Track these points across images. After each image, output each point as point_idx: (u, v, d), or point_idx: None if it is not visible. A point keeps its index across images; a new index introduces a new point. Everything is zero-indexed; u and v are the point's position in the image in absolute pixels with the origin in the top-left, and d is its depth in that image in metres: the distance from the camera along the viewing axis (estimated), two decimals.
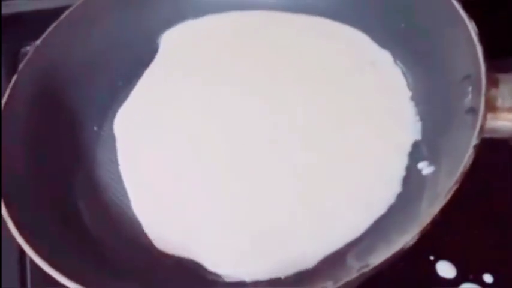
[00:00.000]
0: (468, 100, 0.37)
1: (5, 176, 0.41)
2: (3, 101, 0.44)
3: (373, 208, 0.40)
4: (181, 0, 0.54)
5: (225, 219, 0.42)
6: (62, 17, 0.49)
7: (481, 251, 0.42)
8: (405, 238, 0.33)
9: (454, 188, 0.33)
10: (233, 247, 0.40)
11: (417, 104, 0.44)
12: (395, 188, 0.41)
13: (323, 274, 0.37)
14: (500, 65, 0.37)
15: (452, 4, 0.40)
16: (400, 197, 0.40)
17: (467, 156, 0.34)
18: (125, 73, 0.52)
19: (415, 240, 0.33)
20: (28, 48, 0.48)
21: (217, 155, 0.45)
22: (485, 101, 0.35)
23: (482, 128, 0.35)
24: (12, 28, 0.56)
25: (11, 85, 0.45)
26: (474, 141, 0.34)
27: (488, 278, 0.41)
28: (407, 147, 0.43)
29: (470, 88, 0.37)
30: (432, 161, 0.40)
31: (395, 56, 0.48)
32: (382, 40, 0.49)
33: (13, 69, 0.49)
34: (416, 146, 0.43)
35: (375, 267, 0.32)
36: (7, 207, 0.39)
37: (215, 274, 0.40)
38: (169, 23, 0.54)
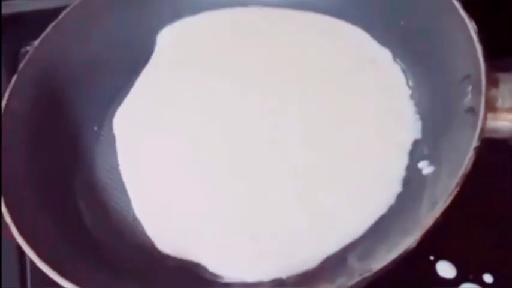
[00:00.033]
0: (468, 100, 0.37)
1: (5, 176, 0.41)
2: (3, 101, 0.44)
3: (373, 208, 0.40)
4: None
5: (226, 220, 0.42)
6: (60, 17, 0.49)
7: (481, 251, 0.42)
8: (406, 242, 0.33)
9: (455, 192, 0.33)
10: (234, 248, 0.40)
11: (417, 103, 0.44)
12: (396, 187, 0.41)
13: (325, 275, 0.37)
14: (500, 65, 0.37)
15: (453, 4, 0.40)
16: (400, 197, 0.40)
17: (467, 159, 0.34)
18: (124, 73, 0.51)
19: (416, 243, 0.33)
20: (28, 48, 0.48)
21: (217, 154, 0.45)
22: (485, 101, 0.35)
23: (482, 129, 0.35)
24: (12, 28, 0.56)
25: (10, 85, 0.45)
26: (475, 143, 0.34)
27: (488, 278, 0.41)
28: (408, 146, 0.42)
29: (470, 88, 0.37)
30: (432, 161, 0.40)
31: (395, 54, 0.48)
32: (382, 38, 0.49)
33: (13, 69, 0.49)
34: (416, 145, 0.42)
35: (377, 272, 0.33)
36: (7, 207, 0.39)
37: (216, 275, 0.40)
38: (169, 22, 0.54)
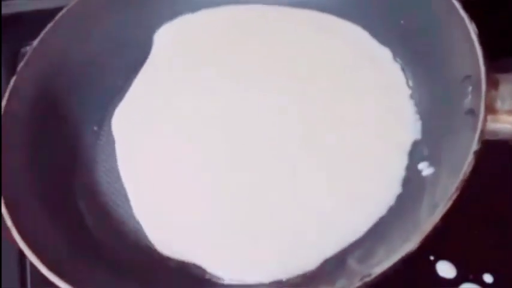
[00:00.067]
0: (468, 101, 0.37)
1: (5, 176, 0.41)
2: (3, 101, 0.44)
3: (373, 209, 0.40)
4: None
5: (225, 220, 0.41)
6: (58, 16, 0.49)
7: (481, 251, 0.42)
8: (406, 248, 0.33)
9: (455, 195, 0.33)
10: (233, 249, 0.40)
11: (417, 103, 0.44)
12: (395, 188, 0.41)
13: (325, 277, 0.37)
14: (500, 65, 0.37)
15: (453, 4, 0.40)
16: (400, 199, 0.40)
17: (467, 163, 0.34)
18: (124, 72, 0.51)
19: (415, 247, 0.33)
20: (28, 48, 0.48)
21: (216, 155, 0.45)
22: (485, 103, 0.35)
23: (482, 131, 0.35)
24: (12, 28, 0.56)
25: (10, 85, 0.45)
26: (474, 145, 0.34)
27: (488, 278, 0.41)
28: (407, 146, 0.42)
29: (470, 88, 0.37)
30: (432, 162, 0.40)
31: (395, 53, 0.47)
32: (381, 37, 0.48)
33: (13, 69, 0.49)
34: (416, 145, 0.42)
35: (376, 277, 0.33)
36: (7, 208, 0.39)
37: (216, 276, 0.40)
38: (168, 21, 0.54)
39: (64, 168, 0.46)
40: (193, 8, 0.54)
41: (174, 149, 0.46)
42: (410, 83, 0.46)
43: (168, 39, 0.53)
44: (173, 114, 0.48)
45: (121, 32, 0.52)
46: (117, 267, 0.40)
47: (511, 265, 0.41)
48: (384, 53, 0.48)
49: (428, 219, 0.33)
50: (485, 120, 0.35)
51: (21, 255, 0.44)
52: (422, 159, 0.41)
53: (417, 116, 0.44)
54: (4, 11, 0.57)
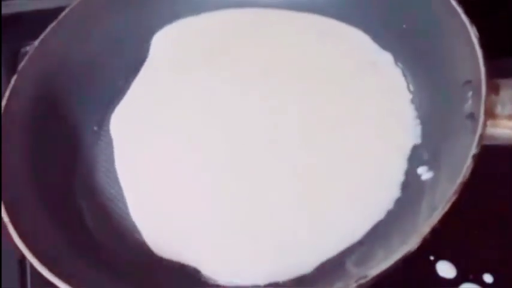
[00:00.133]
0: (468, 105, 0.37)
1: (5, 177, 0.41)
2: (3, 101, 0.44)
3: (372, 211, 0.40)
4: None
5: (224, 221, 0.41)
6: (60, 17, 0.49)
7: (481, 251, 0.42)
8: (403, 249, 0.33)
9: (453, 199, 0.33)
10: (231, 250, 0.40)
11: (417, 108, 0.44)
12: (394, 192, 0.41)
13: (322, 280, 0.37)
14: (500, 66, 0.37)
15: (454, 9, 0.40)
16: (399, 203, 0.40)
17: (465, 167, 0.34)
18: (124, 72, 0.51)
19: (413, 250, 0.33)
20: (28, 48, 0.48)
21: (216, 155, 0.45)
22: (485, 108, 0.35)
23: (482, 136, 0.34)
24: (12, 28, 0.56)
25: (10, 85, 0.45)
26: (474, 150, 0.34)
27: (488, 278, 0.41)
28: (407, 150, 0.42)
29: (470, 93, 0.37)
30: (431, 166, 0.40)
31: (396, 58, 0.47)
32: (383, 41, 0.48)
33: (13, 69, 0.49)
34: (415, 150, 0.42)
35: (373, 278, 0.33)
36: (6, 208, 0.39)
37: (212, 279, 0.40)
38: (168, 22, 0.54)
39: (64, 168, 0.46)
40: (194, 8, 0.54)
41: (173, 149, 0.46)
42: (411, 88, 0.46)
43: (168, 41, 0.53)
44: (173, 114, 0.48)
45: (121, 32, 0.52)
46: (116, 267, 0.40)
47: (511, 265, 0.41)
48: (385, 58, 0.48)
49: (426, 222, 0.33)
50: (485, 124, 0.35)
51: (21, 256, 0.44)
52: (422, 164, 0.41)
53: (418, 121, 0.44)
54: (4, 11, 0.57)
